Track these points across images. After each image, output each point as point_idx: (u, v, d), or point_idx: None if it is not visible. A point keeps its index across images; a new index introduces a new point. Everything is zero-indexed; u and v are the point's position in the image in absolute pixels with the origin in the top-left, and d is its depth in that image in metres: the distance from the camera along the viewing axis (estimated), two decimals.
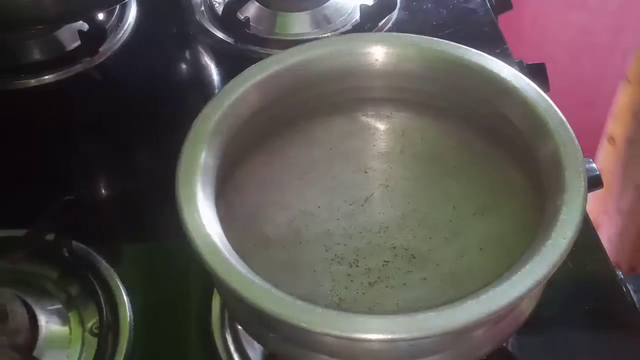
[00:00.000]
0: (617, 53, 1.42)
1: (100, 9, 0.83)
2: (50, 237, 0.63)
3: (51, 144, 0.76)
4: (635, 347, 0.60)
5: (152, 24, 0.89)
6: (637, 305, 0.61)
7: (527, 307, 0.50)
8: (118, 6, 0.87)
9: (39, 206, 0.64)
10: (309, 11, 0.87)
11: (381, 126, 0.60)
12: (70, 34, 0.83)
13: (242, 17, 0.85)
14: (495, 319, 0.46)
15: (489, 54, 0.57)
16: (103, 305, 0.60)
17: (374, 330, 0.42)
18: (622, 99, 1.15)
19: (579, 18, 1.35)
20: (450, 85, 0.57)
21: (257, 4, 0.88)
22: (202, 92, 0.84)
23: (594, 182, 0.57)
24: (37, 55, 0.83)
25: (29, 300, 0.59)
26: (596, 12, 1.34)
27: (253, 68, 0.56)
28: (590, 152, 0.77)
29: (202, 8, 0.89)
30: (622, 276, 0.63)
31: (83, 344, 0.59)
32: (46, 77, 0.81)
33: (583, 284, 0.63)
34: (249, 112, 0.54)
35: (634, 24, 1.36)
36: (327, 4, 0.87)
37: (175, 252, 0.64)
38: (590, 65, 1.39)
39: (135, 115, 0.79)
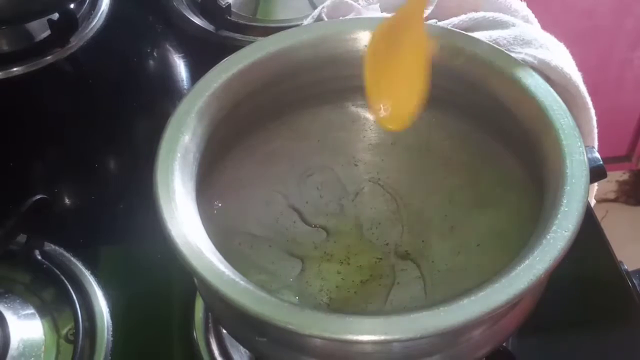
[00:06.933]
0: (620, 36, 1.42)
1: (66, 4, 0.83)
2: (21, 238, 0.63)
3: (21, 140, 0.76)
4: None
5: (127, 12, 0.89)
6: None
7: (528, 305, 0.50)
8: None
9: (8, 206, 0.64)
10: None
11: (371, 116, 0.61)
12: (39, 23, 0.83)
13: (223, 3, 0.85)
14: (494, 317, 0.47)
15: None
16: (79, 310, 0.60)
17: (366, 332, 0.42)
18: None
19: (580, 1, 1.36)
20: (442, 72, 0.57)
21: None
22: (180, 83, 0.84)
23: (597, 173, 0.58)
24: (4, 46, 0.83)
25: (0, 306, 0.59)
26: None
27: (234, 56, 0.55)
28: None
29: None
30: (627, 271, 0.63)
31: (58, 351, 0.59)
32: (14, 69, 0.81)
33: (586, 279, 0.64)
34: (231, 102, 0.54)
35: (638, 6, 1.37)
36: None
37: (156, 252, 0.64)
38: (593, 49, 1.39)
39: (109, 109, 0.79)
